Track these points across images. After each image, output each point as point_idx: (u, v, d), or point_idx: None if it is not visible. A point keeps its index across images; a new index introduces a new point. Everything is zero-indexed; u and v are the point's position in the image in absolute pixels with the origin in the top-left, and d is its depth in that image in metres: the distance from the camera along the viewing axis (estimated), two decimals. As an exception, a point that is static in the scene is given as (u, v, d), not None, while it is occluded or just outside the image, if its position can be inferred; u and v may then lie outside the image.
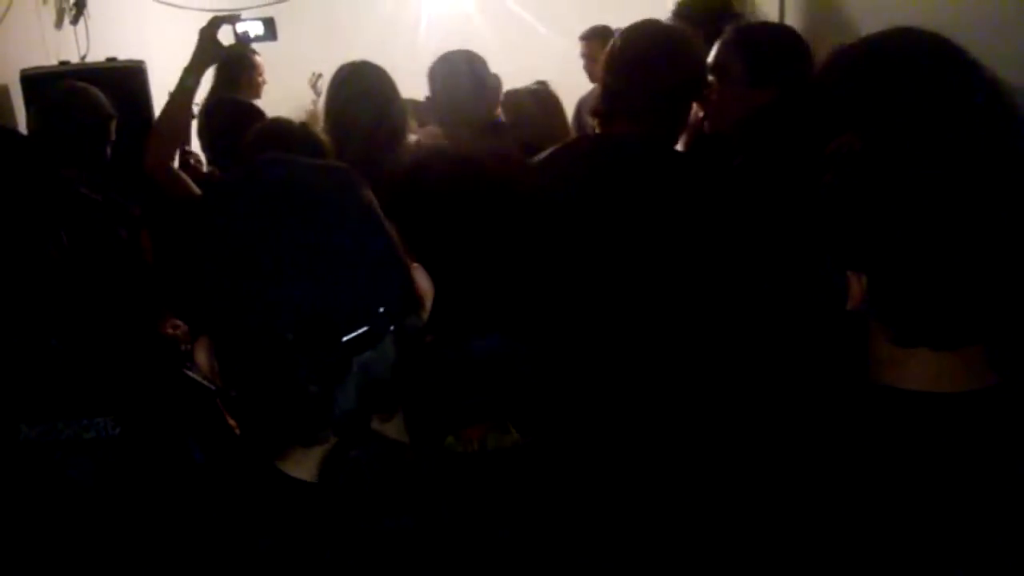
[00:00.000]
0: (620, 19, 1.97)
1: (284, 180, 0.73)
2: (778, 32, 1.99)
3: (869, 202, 0.81)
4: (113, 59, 3.55)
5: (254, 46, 3.48)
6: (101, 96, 2.55)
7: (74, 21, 3.86)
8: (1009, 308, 0.81)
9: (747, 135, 1.79)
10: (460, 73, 2.43)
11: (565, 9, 5.07)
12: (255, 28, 2.39)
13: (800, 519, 0.89)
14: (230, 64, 3.44)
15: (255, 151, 1.94)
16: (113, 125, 2.56)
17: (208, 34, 2.25)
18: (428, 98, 2.47)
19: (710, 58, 1.97)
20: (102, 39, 3.91)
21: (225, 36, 2.29)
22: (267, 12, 2.40)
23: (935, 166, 0.80)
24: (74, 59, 3.71)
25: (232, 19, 2.34)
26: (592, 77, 3.86)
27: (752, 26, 2.03)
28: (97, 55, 3.74)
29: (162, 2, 4.18)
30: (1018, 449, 0.81)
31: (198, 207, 0.75)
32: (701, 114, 2.41)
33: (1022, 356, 0.85)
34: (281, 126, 2.06)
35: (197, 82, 2.25)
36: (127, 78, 3.32)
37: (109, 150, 2.57)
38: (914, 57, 0.91)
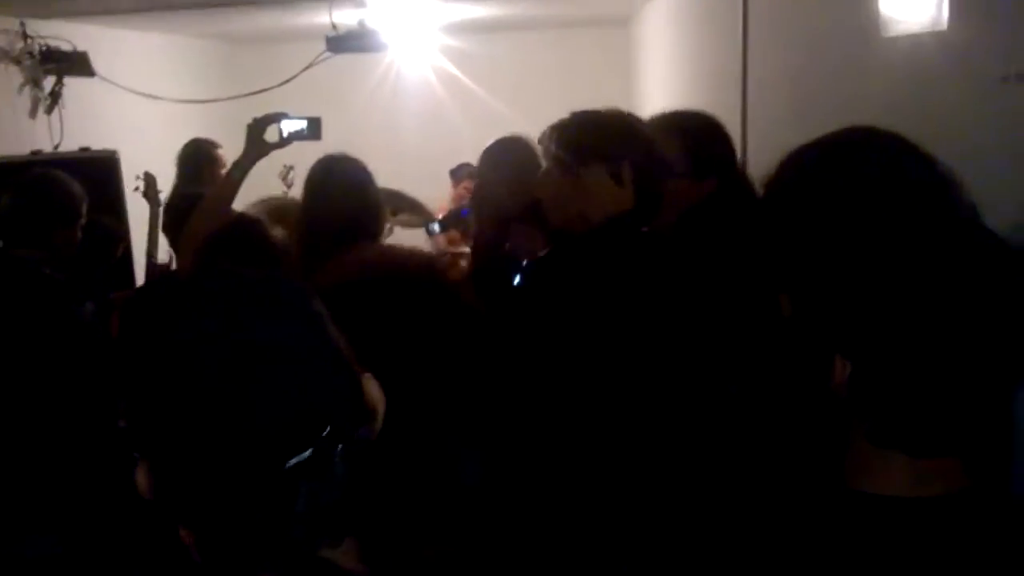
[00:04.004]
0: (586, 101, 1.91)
1: (227, 295, 0.70)
2: (706, 121, 1.93)
3: (865, 293, 0.80)
4: (86, 148, 3.56)
5: (216, 139, 3.54)
6: (69, 180, 2.53)
7: (48, 111, 3.88)
8: (985, 427, 0.80)
9: (690, 227, 1.79)
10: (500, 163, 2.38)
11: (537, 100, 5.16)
12: (299, 126, 2.46)
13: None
14: (192, 159, 3.45)
15: (209, 255, 1.93)
16: (84, 207, 2.54)
17: (255, 132, 2.36)
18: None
19: None
20: (76, 129, 3.92)
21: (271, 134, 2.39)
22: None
23: (928, 270, 0.79)
24: (47, 148, 3.71)
25: (278, 118, 2.43)
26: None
27: (680, 116, 1.92)
28: (70, 144, 3.75)
29: (137, 92, 4.21)
30: (992, 554, 0.79)
31: (138, 318, 0.72)
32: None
33: (995, 464, 0.83)
34: (237, 230, 2.00)
35: (243, 176, 2.35)
36: (100, 167, 3.35)
37: (80, 233, 2.54)
38: (888, 155, 0.92)
